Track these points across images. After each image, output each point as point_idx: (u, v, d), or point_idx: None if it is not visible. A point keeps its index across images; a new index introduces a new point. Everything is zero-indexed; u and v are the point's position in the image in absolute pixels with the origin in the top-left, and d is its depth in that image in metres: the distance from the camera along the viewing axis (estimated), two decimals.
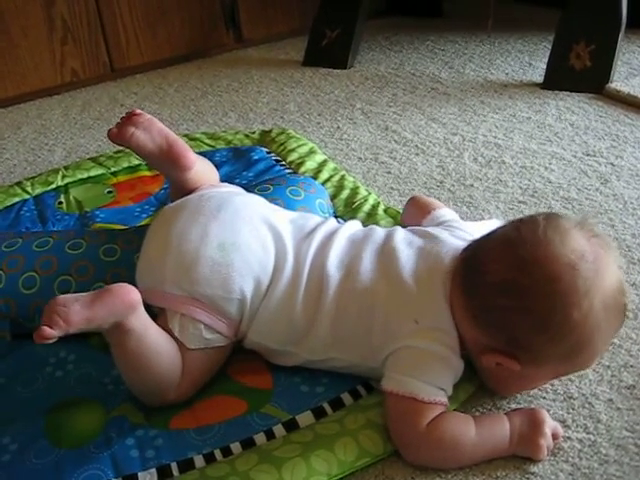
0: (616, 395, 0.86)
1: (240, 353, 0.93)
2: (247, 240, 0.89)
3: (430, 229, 0.95)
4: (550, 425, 0.80)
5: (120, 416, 0.87)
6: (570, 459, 0.79)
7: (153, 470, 0.81)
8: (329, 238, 0.92)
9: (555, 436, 0.80)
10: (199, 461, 0.82)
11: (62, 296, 0.79)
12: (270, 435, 0.84)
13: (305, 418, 0.85)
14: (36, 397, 0.92)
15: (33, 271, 1.00)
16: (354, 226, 0.97)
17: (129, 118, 0.98)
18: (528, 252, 0.79)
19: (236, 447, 0.83)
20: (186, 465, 0.81)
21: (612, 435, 0.81)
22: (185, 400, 0.88)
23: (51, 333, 0.76)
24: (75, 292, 0.92)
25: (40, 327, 0.76)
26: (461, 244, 0.88)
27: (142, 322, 0.83)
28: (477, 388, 0.88)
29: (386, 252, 0.89)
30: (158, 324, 0.87)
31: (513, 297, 0.79)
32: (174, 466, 0.81)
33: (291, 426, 0.85)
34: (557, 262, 0.77)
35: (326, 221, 0.97)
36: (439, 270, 0.86)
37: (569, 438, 0.81)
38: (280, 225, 0.93)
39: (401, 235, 0.92)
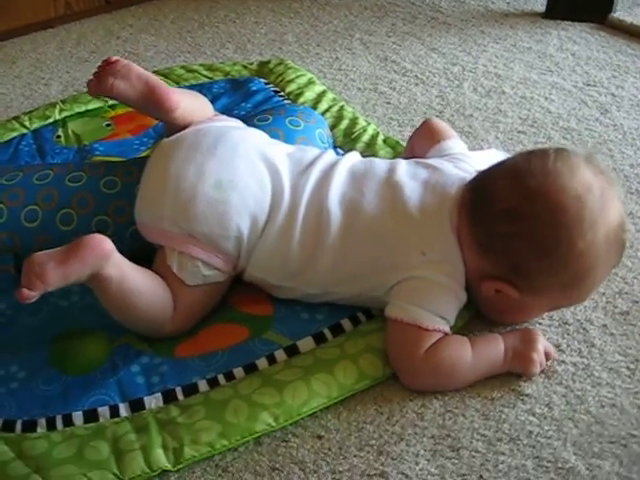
0: (610, 321, 0.88)
1: (241, 284, 0.94)
2: (244, 177, 0.89)
3: (433, 161, 0.95)
4: (543, 342, 0.83)
5: (125, 344, 0.89)
6: (564, 382, 0.81)
7: (159, 394, 0.84)
8: (328, 172, 0.92)
9: (547, 355, 0.83)
10: (203, 386, 0.84)
11: (37, 255, 0.80)
12: (272, 360, 0.86)
13: (306, 343, 0.88)
14: (42, 326, 0.93)
15: (35, 204, 1.00)
16: (353, 158, 0.97)
17: (106, 67, 0.95)
18: (537, 182, 0.80)
19: (239, 372, 0.85)
20: (190, 389, 0.84)
21: (605, 359, 0.84)
22: (184, 331, 0.89)
23: (29, 294, 0.78)
24: (77, 225, 0.95)
25: (20, 289, 0.78)
26: (466, 176, 0.89)
27: (118, 268, 0.83)
28: (473, 316, 0.89)
29: (390, 185, 0.89)
30: (157, 260, 0.89)
31: (518, 224, 0.80)
32: (179, 390, 0.84)
33: (292, 351, 0.87)
34: (565, 193, 0.79)
35: (324, 153, 0.97)
36: (445, 201, 0.86)
37: (563, 362, 0.84)
38: (277, 160, 0.92)
39: (404, 168, 0.92)
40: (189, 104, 0.99)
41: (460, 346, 0.82)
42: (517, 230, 0.81)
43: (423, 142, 1.04)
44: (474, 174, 0.89)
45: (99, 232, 0.91)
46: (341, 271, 0.88)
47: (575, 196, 0.79)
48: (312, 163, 0.93)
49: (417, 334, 0.82)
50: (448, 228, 0.85)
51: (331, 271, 0.88)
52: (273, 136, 1.09)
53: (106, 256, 0.82)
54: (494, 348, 0.82)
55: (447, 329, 0.83)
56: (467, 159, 0.96)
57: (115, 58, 0.96)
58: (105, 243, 0.82)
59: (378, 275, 0.86)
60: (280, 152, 0.95)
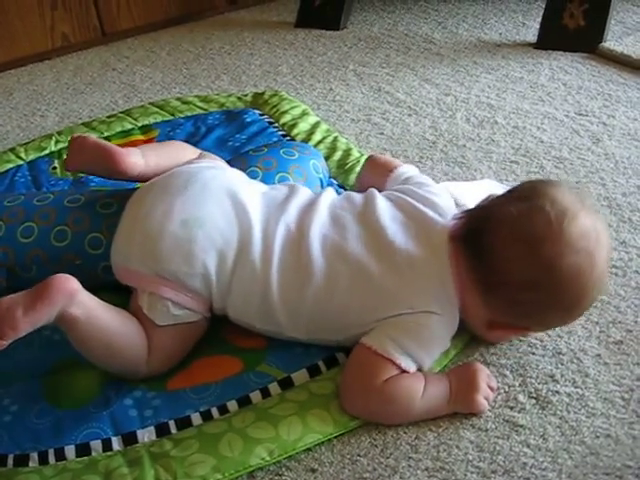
0: (604, 350, 0.88)
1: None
2: (211, 214, 0.88)
3: (398, 196, 0.93)
4: (484, 378, 0.82)
5: (117, 380, 0.89)
6: (558, 412, 0.81)
7: (152, 428, 0.83)
8: (306, 213, 0.90)
9: (491, 387, 0.83)
10: (196, 419, 0.84)
11: (4, 300, 0.80)
12: (266, 393, 0.86)
13: (300, 376, 0.87)
14: (34, 360, 0.93)
15: (32, 221, 1.01)
16: (330, 195, 0.95)
17: (69, 146, 1.02)
18: (551, 251, 0.80)
19: (232, 405, 0.85)
20: (184, 423, 0.83)
21: (600, 389, 0.83)
22: (160, 374, 0.89)
23: (2, 344, 0.79)
24: (70, 242, 0.98)
25: None
26: (440, 220, 0.88)
27: (85, 308, 0.83)
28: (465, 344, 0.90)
29: (372, 230, 0.88)
30: (131, 301, 0.89)
31: (538, 293, 0.82)
32: (172, 424, 0.83)
33: (286, 384, 0.87)
34: (578, 254, 0.80)
35: (299, 190, 0.95)
36: (435, 254, 0.85)
37: (557, 392, 0.83)
38: (247, 198, 0.91)
39: (382, 208, 0.90)
40: (153, 160, 0.99)
41: (413, 387, 0.81)
42: (537, 297, 0.82)
43: (376, 175, 1.04)
44: (448, 212, 0.90)
45: (92, 249, 0.97)
46: (326, 319, 0.86)
47: (587, 254, 0.80)
48: (287, 199, 0.93)
49: (383, 365, 0.81)
50: (439, 283, 0.84)
51: (313, 317, 0.86)
52: (266, 164, 1.11)
53: (71, 295, 0.82)
54: (442, 388, 0.82)
55: (413, 370, 0.82)
56: (428, 187, 0.96)
57: (74, 135, 1.01)
58: (70, 282, 0.83)
59: (363, 321, 0.85)
60: (253, 190, 0.94)
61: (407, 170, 1.03)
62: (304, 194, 0.95)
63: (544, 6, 1.74)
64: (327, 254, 0.87)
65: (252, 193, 0.93)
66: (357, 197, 0.94)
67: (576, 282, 0.81)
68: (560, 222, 0.80)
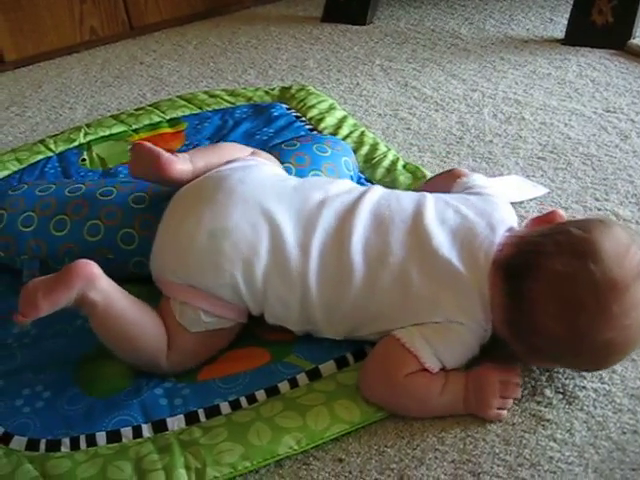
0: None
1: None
2: (237, 223, 0.88)
3: (458, 200, 0.92)
4: (497, 393, 0.81)
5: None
6: (585, 407, 0.82)
7: (181, 416, 0.85)
8: (347, 214, 0.89)
9: (507, 397, 0.82)
10: (225, 408, 0.85)
11: (31, 283, 0.84)
12: (294, 383, 0.87)
13: (328, 367, 0.88)
14: (67, 348, 0.95)
15: (64, 214, 1.03)
16: (375, 195, 0.92)
17: (131, 153, 1.02)
18: (587, 321, 0.77)
19: (261, 395, 0.86)
20: (213, 411, 0.85)
21: (626, 385, 0.84)
22: (184, 371, 0.90)
23: (24, 320, 0.82)
24: (103, 237, 1.00)
25: (16, 314, 0.83)
26: (493, 238, 0.85)
27: (104, 294, 0.85)
28: None
29: (417, 235, 0.86)
30: (162, 300, 0.90)
31: (566, 353, 0.81)
32: (201, 412, 0.85)
33: (314, 375, 0.88)
34: (615, 331, 0.77)
35: (332, 187, 0.93)
36: (476, 270, 0.83)
37: (584, 387, 0.84)
38: (275, 203, 0.89)
39: (432, 210, 0.89)
40: (201, 164, 0.98)
41: (432, 386, 0.82)
42: (561, 355, 0.81)
43: (446, 180, 1.02)
44: (501, 225, 0.87)
45: (125, 244, 0.99)
46: (362, 320, 0.87)
47: (625, 330, 0.77)
48: (323, 202, 0.90)
49: (408, 359, 0.82)
50: (477, 300, 0.83)
51: (351, 320, 0.87)
52: (299, 160, 1.11)
53: (91, 280, 0.84)
54: (456, 396, 0.82)
55: (437, 371, 0.83)
56: (490, 197, 0.94)
57: (134, 142, 1.03)
58: (90, 267, 0.85)
59: (400, 325, 0.85)
60: (283, 190, 0.92)
61: (475, 179, 1.00)
62: (341, 191, 0.93)
63: (572, 2, 1.73)
64: (368, 258, 0.85)
65: (282, 194, 0.91)
66: (407, 199, 0.91)
67: (604, 353, 0.80)
68: (606, 297, 0.76)
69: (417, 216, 0.88)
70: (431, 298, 0.83)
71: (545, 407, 0.82)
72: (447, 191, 0.98)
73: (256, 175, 0.95)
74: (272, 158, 1.06)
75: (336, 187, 0.94)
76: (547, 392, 0.84)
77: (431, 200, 0.91)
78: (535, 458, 0.77)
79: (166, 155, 0.96)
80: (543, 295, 0.79)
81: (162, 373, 0.89)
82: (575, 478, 0.74)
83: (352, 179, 1.15)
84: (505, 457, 0.77)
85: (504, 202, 0.93)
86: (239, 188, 0.91)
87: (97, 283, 0.85)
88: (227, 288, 0.87)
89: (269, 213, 0.89)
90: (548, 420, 0.81)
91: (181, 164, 0.97)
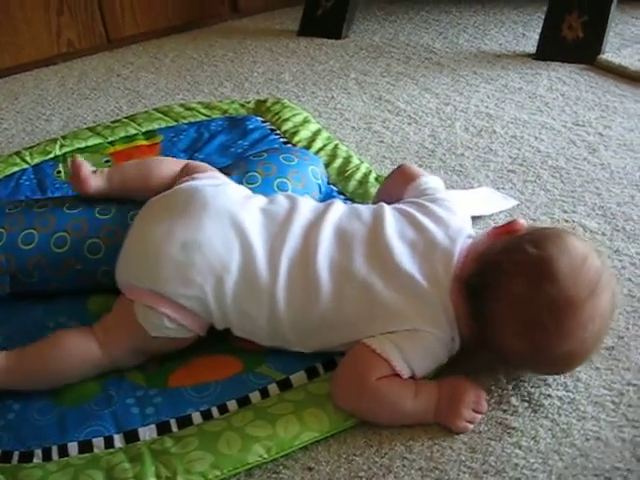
0: (595, 356, 0.90)
1: None
2: (209, 237, 0.89)
3: (413, 208, 0.94)
4: (468, 404, 0.83)
5: (118, 376, 0.91)
6: (550, 415, 0.83)
7: (153, 426, 0.85)
8: (311, 233, 0.91)
9: (477, 410, 0.84)
10: (197, 418, 0.86)
11: None
12: (265, 394, 0.88)
13: (298, 378, 0.89)
14: None
15: (32, 228, 1.03)
16: (337, 212, 0.94)
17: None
18: (544, 338, 0.80)
19: (232, 405, 0.87)
20: (185, 421, 0.86)
21: (590, 393, 0.86)
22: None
23: None
24: (69, 247, 1.02)
25: None
26: (451, 247, 0.88)
27: (5, 378, 0.89)
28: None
29: (378, 249, 0.88)
30: (120, 302, 0.93)
31: (529, 363, 0.86)
32: (173, 422, 0.86)
33: (285, 385, 0.89)
34: (573, 343, 0.81)
35: (299, 204, 0.95)
36: (438, 283, 0.85)
37: (549, 396, 0.86)
38: (246, 219, 0.92)
39: (391, 223, 0.91)
40: (117, 180, 1.06)
41: (403, 391, 0.83)
42: (524, 363, 0.86)
43: (399, 182, 1.04)
44: (459, 234, 0.89)
45: (91, 254, 1.01)
46: (330, 333, 0.88)
47: (583, 341, 0.81)
48: (289, 219, 0.92)
49: (378, 364, 0.83)
50: (441, 311, 0.85)
51: (320, 333, 0.88)
52: (266, 170, 1.12)
53: None
54: (427, 403, 0.83)
55: (405, 377, 0.84)
56: (445, 202, 0.95)
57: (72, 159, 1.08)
58: None
59: (369, 333, 0.86)
60: (252, 207, 0.94)
61: (429, 180, 1.02)
62: (306, 209, 0.95)
63: (544, 18, 1.76)
64: (334, 274, 0.87)
65: (252, 211, 0.93)
66: (365, 212, 0.94)
67: (565, 362, 0.84)
68: (563, 315, 0.79)
69: (377, 230, 0.90)
70: (397, 310, 0.85)
71: (511, 415, 0.84)
72: (401, 196, 1.00)
73: (227, 192, 0.97)
74: (212, 169, 1.07)
75: (301, 205, 0.95)
76: (513, 400, 0.86)
77: (389, 213, 0.93)
78: (500, 465, 0.78)
79: (84, 172, 1.04)
80: (504, 315, 0.82)
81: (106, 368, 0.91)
82: None
83: (320, 187, 1.17)
84: (471, 464, 0.79)
85: (459, 206, 0.95)
86: (211, 202, 0.93)
87: None
88: (195, 300, 0.88)
89: (241, 229, 0.90)
90: (514, 428, 0.82)
91: (95, 181, 1.04)
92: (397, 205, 0.96)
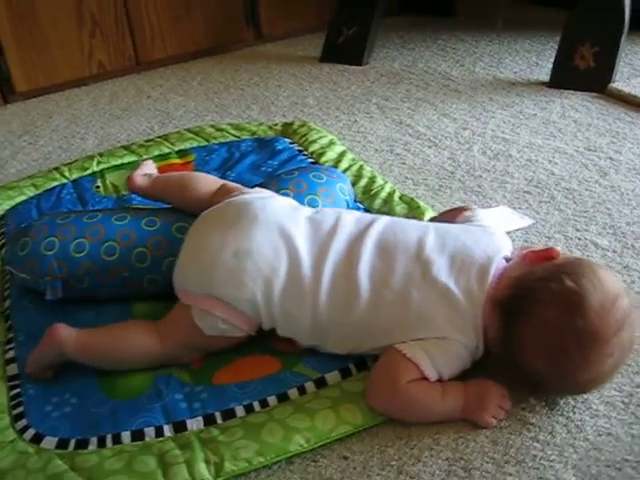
0: None
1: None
2: (259, 245, 0.97)
3: (458, 229, 1.01)
4: (495, 399, 0.90)
5: (166, 374, 0.99)
6: (565, 413, 0.90)
7: (200, 418, 0.92)
8: (355, 244, 0.97)
9: (503, 407, 0.90)
10: (240, 411, 0.93)
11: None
12: (302, 391, 0.95)
13: (333, 377, 0.97)
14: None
15: (83, 238, 1.11)
16: (381, 224, 1.00)
17: None
18: (568, 365, 0.86)
19: (272, 400, 0.94)
20: (229, 414, 0.93)
21: (602, 394, 0.93)
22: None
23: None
24: (118, 256, 1.11)
25: None
26: (488, 258, 0.94)
27: (77, 347, 0.99)
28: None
29: (419, 261, 0.94)
30: (176, 308, 1.01)
31: (550, 386, 0.92)
32: (218, 415, 0.93)
33: (320, 383, 0.96)
34: (593, 371, 0.87)
35: (344, 217, 1.02)
36: (473, 296, 0.92)
37: (564, 396, 0.92)
38: (294, 228, 0.99)
39: (433, 239, 0.97)
40: (161, 187, 1.21)
41: (432, 393, 0.90)
42: (546, 385, 0.92)
43: (453, 213, 1.11)
44: (497, 253, 0.95)
45: (138, 263, 1.09)
46: (365, 337, 0.95)
47: (603, 371, 0.87)
48: (334, 229, 0.99)
49: (409, 368, 0.90)
50: (471, 325, 0.91)
51: (355, 336, 0.96)
52: (297, 187, 1.20)
53: (59, 344, 0.98)
54: (455, 403, 0.90)
55: (433, 379, 0.91)
56: (487, 227, 1.02)
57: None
58: (55, 332, 0.99)
59: (399, 339, 0.93)
60: (299, 218, 1.02)
61: (477, 213, 1.08)
62: (351, 220, 1.01)
63: (557, 48, 1.85)
64: (374, 282, 0.94)
65: (298, 221, 1.01)
66: (410, 229, 1.00)
67: (582, 387, 0.91)
68: (587, 347, 0.85)
69: (420, 244, 0.96)
70: (430, 319, 0.92)
71: (529, 412, 0.91)
72: (451, 222, 1.06)
73: (275, 203, 1.05)
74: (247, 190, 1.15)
75: (346, 216, 1.03)
76: (531, 400, 0.93)
77: (433, 229, 1.00)
78: (520, 456, 0.85)
79: (137, 172, 1.24)
80: (532, 338, 0.88)
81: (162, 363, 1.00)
82: (556, 474, 0.83)
83: (348, 204, 1.25)
84: (493, 455, 0.86)
85: (501, 233, 1.02)
86: (261, 214, 1.01)
87: (67, 343, 0.98)
88: (246, 303, 0.96)
89: (288, 237, 0.98)
90: (532, 424, 0.89)
91: (142, 180, 1.22)
92: (442, 224, 1.03)
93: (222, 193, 1.11)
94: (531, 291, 0.89)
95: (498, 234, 1.01)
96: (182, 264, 1.02)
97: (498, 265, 0.94)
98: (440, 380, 0.91)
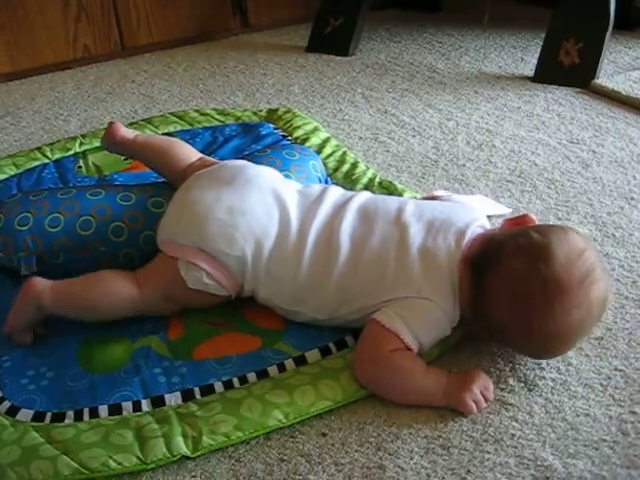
0: (586, 344, 0.98)
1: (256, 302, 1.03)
2: (253, 206, 1.00)
3: (437, 204, 1.04)
4: (479, 385, 0.90)
5: (145, 346, 0.99)
6: (543, 394, 0.91)
7: (178, 393, 0.92)
8: (338, 210, 1.01)
9: (485, 396, 0.90)
10: (219, 387, 0.93)
11: None
12: (282, 368, 0.95)
13: (313, 355, 0.97)
14: (66, 333, 1.02)
15: (58, 212, 1.10)
16: (363, 197, 1.04)
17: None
18: (532, 314, 0.88)
19: (252, 377, 0.94)
20: (207, 390, 0.92)
21: (581, 376, 0.93)
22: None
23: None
24: (94, 230, 1.10)
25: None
26: (465, 229, 0.96)
27: (52, 296, 0.99)
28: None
29: (397, 225, 0.98)
30: (158, 261, 1.02)
31: (515, 339, 0.92)
32: (197, 390, 0.92)
33: (300, 361, 0.96)
34: (558, 324, 0.88)
35: (330, 188, 1.06)
36: (448, 255, 0.94)
37: (543, 377, 0.93)
38: (286, 195, 1.03)
39: (412, 208, 1.00)
40: (141, 139, 1.21)
41: (416, 365, 0.91)
42: (511, 339, 0.93)
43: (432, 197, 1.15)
44: (473, 223, 0.98)
45: (115, 237, 1.09)
46: (345, 298, 0.96)
47: (568, 325, 0.88)
48: (321, 198, 1.03)
49: (389, 338, 0.91)
50: (447, 282, 0.93)
51: (336, 297, 0.96)
52: (270, 164, 1.20)
53: (36, 297, 0.99)
54: (438, 381, 0.91)
55: (415, 349, 0.92)
56: (464, 204, 1.06)
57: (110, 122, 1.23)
58: (34, 283, 1.00)
59: (376, 302, 0.94)
60: (290, 188, 1.06)
61: (454, 197, 1.12)
62: (337, 192, 1.06)
63: (542, 43, 1.86)
64: (354, 242, 0.97)
65: (290, 190, 1.04)
66: (391, 200, 1.05)
67: (550, 342, 0.91)
68: (551, 295, 0.87)
69: (398, 212, 1.00)
70: (407, 275, 0.93)
71: (508, 393, 0.91)
72: None
73: (268, 171, 1.09)
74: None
75: (332, 189, 1.07)
76: (510, 381, 0.93)
77: (412, 201, 1.03)
78: (499, 435, 0.85)
79: (118, 123, 1.21)
80: (500, 287, 0.90)
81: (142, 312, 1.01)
82: (534, 452, 0.83)
83: (320, 180, 1.27)
84: (472, 434, 0.86)
85: (477, 209, 1.05)
86: (255, 179, 1.04)
87: (43, 296, 0.99)
88: (234, 260, 0.98)
89: (282, 202, 1.01)
90: (511, 404, 0.90)
91: (125, 132, 1.20)
92: (421, 200, 1.07)
93: (200, 165, 1.12)
94: (500, 245, 0.92)
95: (474, 209, 1.04)
96: (172, 215, 1.03)
97: (474, 230, 0.97)
98: (421, 351, 0.93)
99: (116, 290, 0.99)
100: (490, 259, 0.91)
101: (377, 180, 1.36)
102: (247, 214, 0.99)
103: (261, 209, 1.00)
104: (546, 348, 0.92)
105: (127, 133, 1.21)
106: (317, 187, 1.08)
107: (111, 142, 1.21)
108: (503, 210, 1.28)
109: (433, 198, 1.13)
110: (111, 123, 1.22)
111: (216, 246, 0.98)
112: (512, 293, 0.89)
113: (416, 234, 0.96)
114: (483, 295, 0.91)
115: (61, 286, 1.00)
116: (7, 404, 0.92)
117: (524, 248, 0.90)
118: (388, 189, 1.32)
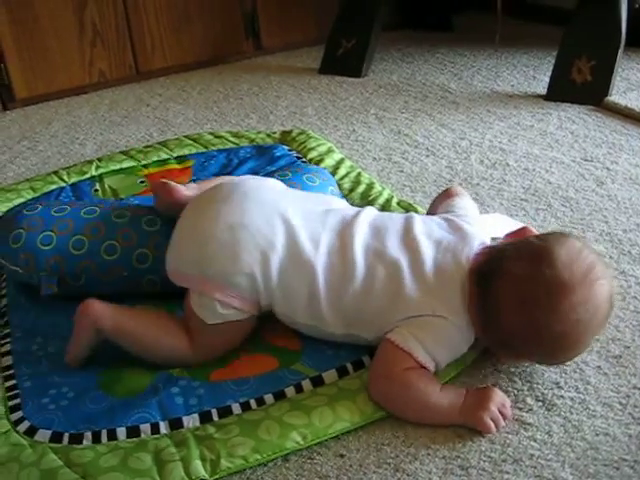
0: (604, 363, 0.97)
1: (275, 321, 1.02)
2: (253, 219, 0.98)
3: (438, 220, 1.04)
4: (496, 403, 0.90)
5: (165, 372, 0.99)
6: (562, 413, 0.90)
7: (196, 415, 0.92)
8: (349, 223, 1.01)
9: (503, 413, 0.90)
10: (236, 408, 0.93)
11: None
12: (299, 389, 0.95)
13: (330, 375, 0.97)
14: (91, 357, 1.02)
15: (82, 234, 1.10)
16: (371, 212, 1.05)
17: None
18: (540, 317, 0.88)
19: (269, 398, 0.94)
20: (225, 411, 0.93)
21: (599, 395, 0.93)
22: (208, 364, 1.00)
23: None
24: (119, 256, 1.09)
25: None
26: (471, 246, 0.97)
27: (112, 323, 0.98)
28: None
29: (409, 240, 0.99)
30: (185, 301, 1.00)
31: (526, 345, 0.92)
32: (214, 412, 0.92)
33: (317, 382, 0.96)
34: (566, 325, 0.88)
35: (336, 200, 1.07)
36: (458, 270, 0.95)
37: (562, 396, 0.93)
38: (287, 205, 1.01)
39: (419, 225, 1.01)
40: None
41: (430, 383, 0.91)
42: (523, 347, 0.93)
43: (437, 202, 1.14)
44: (476, 242, 0.99)
45: (139, 263, 1.08)
46: (362, 315, 0.96)
47: (576, 325, 0.88)
48: (328, 212, 1.03)
49: (403, 357, 0.91)
50: (459, 299, 0.94)
51: (353, 314, 0.96)
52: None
53: (94, 320, 0.97)
54: (454, 400, 0.90)
55: (431, 369, 0.92)
56: (466, 218, 1.05)
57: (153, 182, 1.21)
58: (89, 310, 0.98)
59: (392, 320, 0.94)
60: (292, 197, 1.06)
61: (460, 201, 1.11)
62: (343, 205, 1.06)
63: (554, 62, 1.87)
64: (368, 257, 0.97)
65: (292, 200, 1.04)
66: (397, 217, 1.05)
67: (560, 344, 0.91)
68: (556, 295, 0.88)
69: (407, 228, 1.01)
70: (421, 292, 0.94)
71: (526, 412, 0.91)
72: (435, 212, 1.10)
73: (268, 183, 1.09)
74: None
75: (336, 202, 1.08)
76: (528, 400, 0.93)
77: (418, 218, 1.04)
78: (518, 455, 0.85)
79: (174, 183, 1.11)
80: (505, 294, 0.91)
81: (189, 365, 0.99)
82: (553, 472, 0.82)
83: None
84: (491, 454, 0.85)
85: (475, 221, 1.05)
86: (253, 192, 1.03)
87: (102, 319, 0.97)
88: (244, 277, 0.96)
89: (283, 213, 1.00)
90: (529, 424, 0.89)
91: (187, 191, 1.10)
92: (425, 216, 1.07)
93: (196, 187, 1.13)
94: (502, 253, 0.94)
95: (474, 223, 1.04)
96: (175, 244, 1.02)
97: (478, 246, 0.98)
98: (437, 369, 0.93)
99: (168, 336, 0.99)
100: (493, 268, 0.93)
101: (394, 200, 1.36)
102: (248, 227, 0.97)
103: (262, 221, 0.98)
104: (557, 350, 0.92)
105: (189, 191, 1.11)
106: (320, 195, 1.08)
107: (179, 200, 1.10)
108: (519, 226, 1.27)
109: (448, 196, 1.13)
110: (162, 184, 1.13)
111: (222, 268, 0.96)
112: (518, 298, 0.90)
113: (427, 252, 0.97)
114: (490, 304, 0.92)
115: (122, 317, 0.99)
116: (27, 424, 0.92)
117: (525, 253, 0.92)
118: (407, 210, 1.31)
